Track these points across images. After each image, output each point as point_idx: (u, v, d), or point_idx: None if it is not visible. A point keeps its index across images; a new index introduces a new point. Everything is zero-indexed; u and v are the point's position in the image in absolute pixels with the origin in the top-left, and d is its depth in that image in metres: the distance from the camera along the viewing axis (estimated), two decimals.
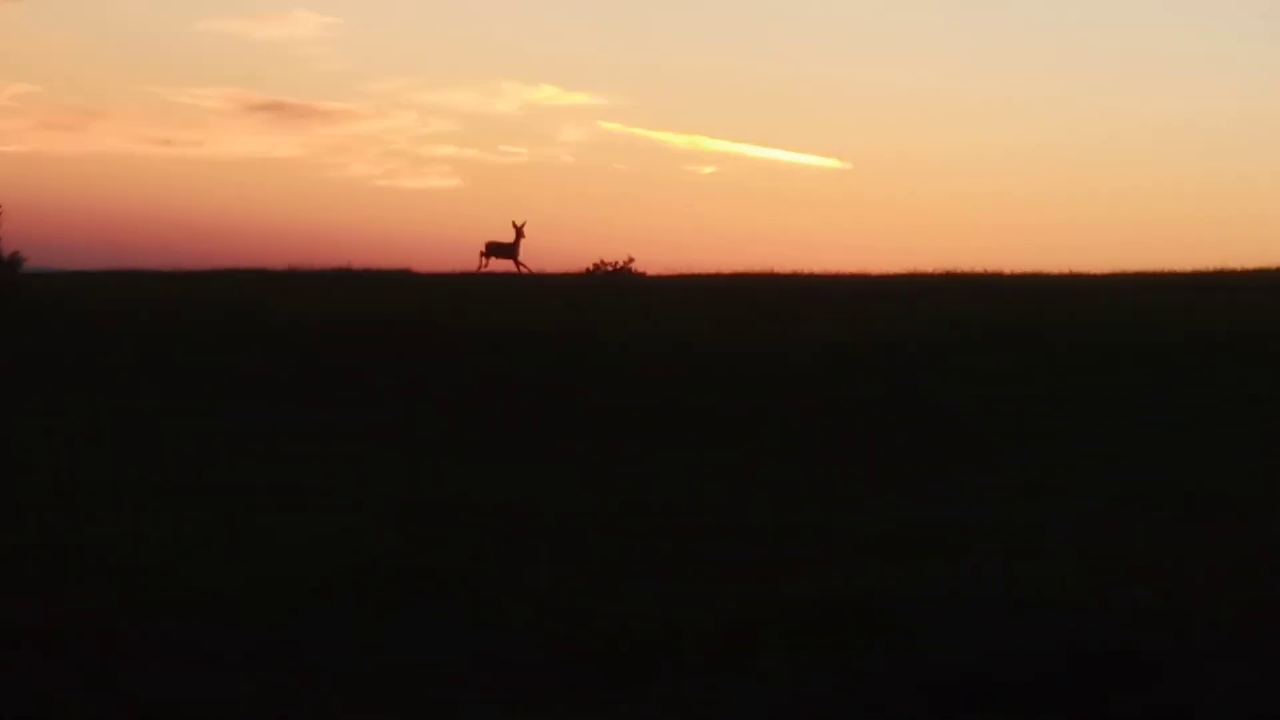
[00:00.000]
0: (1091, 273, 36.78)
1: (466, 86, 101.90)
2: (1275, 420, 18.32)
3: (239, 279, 37.41)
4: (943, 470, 16.02)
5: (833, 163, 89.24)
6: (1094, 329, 25.42)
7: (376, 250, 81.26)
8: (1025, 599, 10.66)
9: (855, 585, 11.15)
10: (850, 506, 14.26)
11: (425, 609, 10.86)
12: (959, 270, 35.42)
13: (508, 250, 42.83)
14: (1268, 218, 77.64)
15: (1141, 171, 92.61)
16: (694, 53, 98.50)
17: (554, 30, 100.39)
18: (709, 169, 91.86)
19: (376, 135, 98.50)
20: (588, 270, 44.04)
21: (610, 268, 44.06)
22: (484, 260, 42.85)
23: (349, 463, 16.66)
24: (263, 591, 11.14)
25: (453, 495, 14.74)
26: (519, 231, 42.87)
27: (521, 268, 42.71)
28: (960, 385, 21.08)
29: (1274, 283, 32.53)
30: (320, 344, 26.01)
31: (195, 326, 28.03)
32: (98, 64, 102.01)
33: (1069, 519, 13.66)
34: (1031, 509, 14.08)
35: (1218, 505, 14.26)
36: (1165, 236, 79.48)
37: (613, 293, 35.29)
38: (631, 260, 44.12)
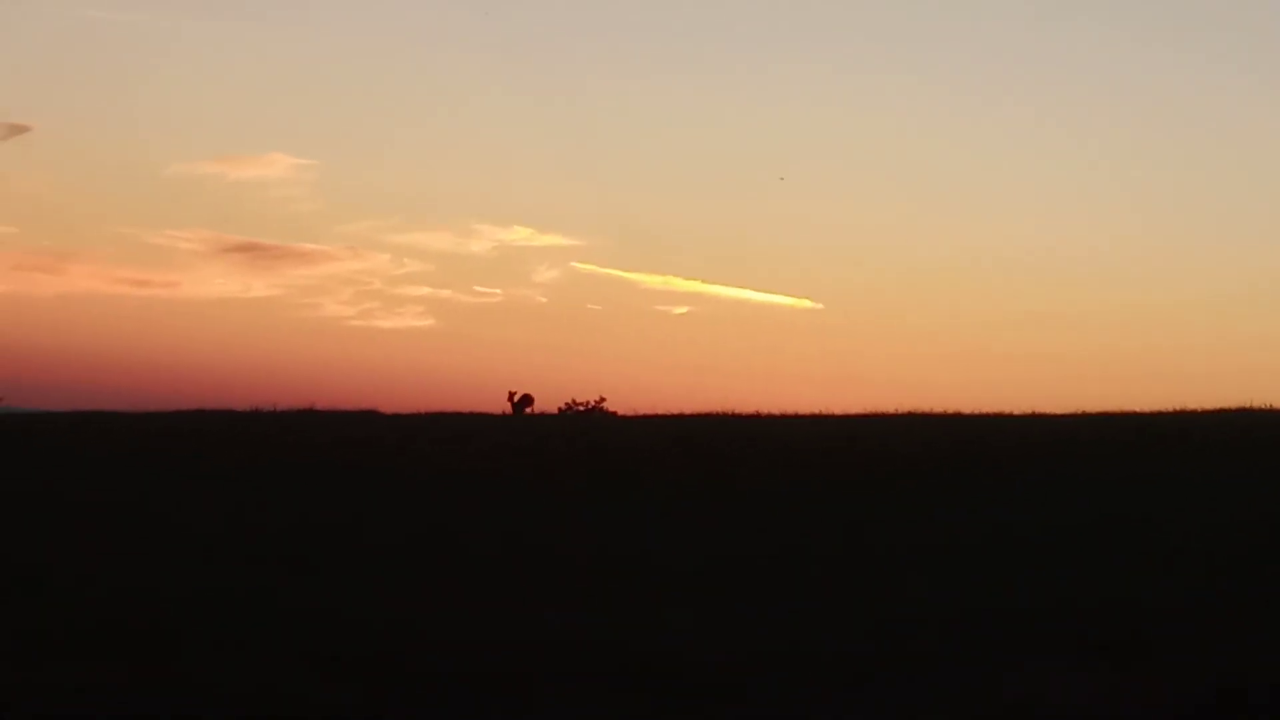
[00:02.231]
0: (1055, 413, 36.88)
1: (441, 228, 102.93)
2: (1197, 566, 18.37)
3: (204, 420, 37.65)
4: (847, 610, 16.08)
5: (805, 303, 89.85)
6: (1029, 468, 25.54)
7: (348, 391, 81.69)
8: None
9: None
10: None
11: None
12: (919, 410, 35.64)
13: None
14: (1237, 356, 77.96)
15: (1130, 307, 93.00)
16: (668, 194, 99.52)
17: (528, 172, 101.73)
18: (681, 309, 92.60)
19: (351, 276, 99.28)
20: (560, 410, 44.45)
21: (582, 407, 44.45)
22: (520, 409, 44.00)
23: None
24: None
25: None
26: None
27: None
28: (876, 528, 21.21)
29: (1229, 424, 32.58)
30: (270, 483, 26.17)
31: (156, 467, 28.27)
32: (73, 206, 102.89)
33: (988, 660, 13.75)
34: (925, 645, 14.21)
35: (1140, 653, 14.24)
36: (1143, 373, 79.71)
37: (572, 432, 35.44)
38: (603, 400, 44.54)
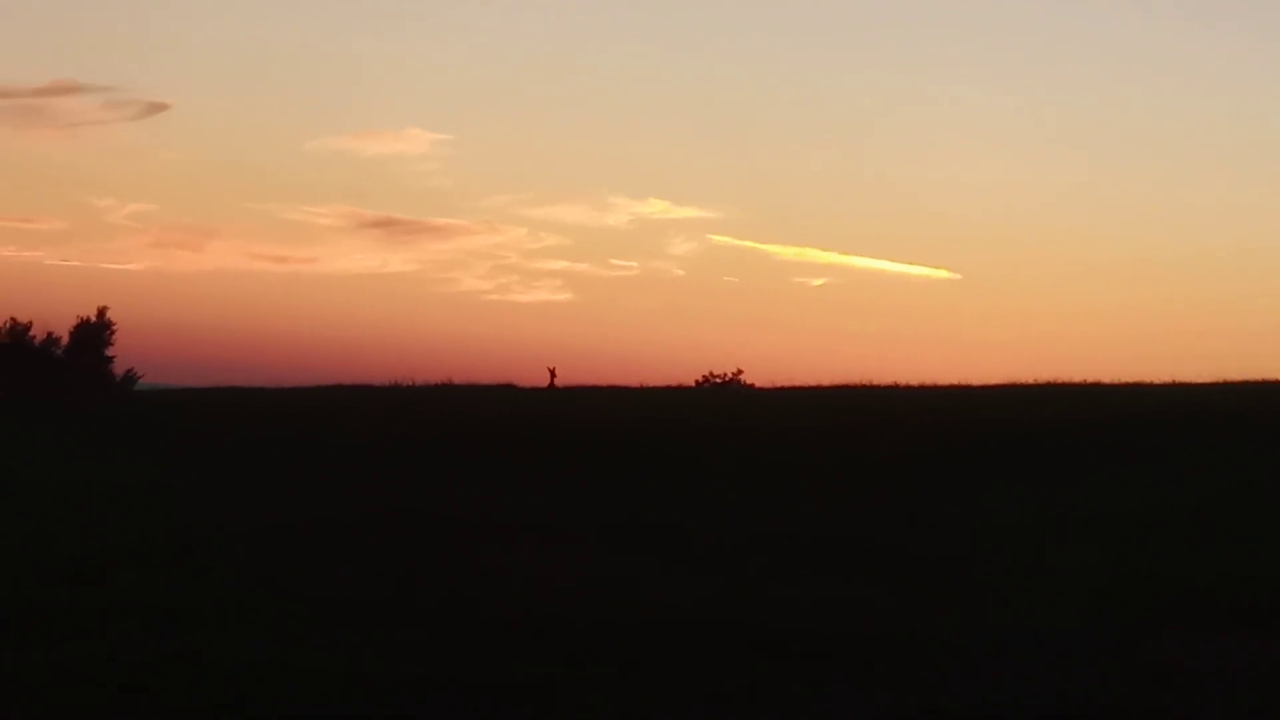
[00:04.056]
0: (1195, 381, 36.46)
1: (577, 201, 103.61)
2: None
3: (344, 395, 37.95)
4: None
5: (942, 273, 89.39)
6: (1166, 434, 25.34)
7: (485, 365, 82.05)
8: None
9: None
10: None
11: None
12: (1059, 380, 35.35)
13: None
14: None
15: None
16: (803, 166, 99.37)
17: (664, 145, 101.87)
18: (818, 280, 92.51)
19: (487, 250, 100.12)
20: (697, 382, 44.34)
21: (719, 379, 44.34)
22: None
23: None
24: None
25: None
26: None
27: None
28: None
29: None
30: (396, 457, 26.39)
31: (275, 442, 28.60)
32: (212, 183, 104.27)
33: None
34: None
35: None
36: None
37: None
38: (740, 372, 44.37)
